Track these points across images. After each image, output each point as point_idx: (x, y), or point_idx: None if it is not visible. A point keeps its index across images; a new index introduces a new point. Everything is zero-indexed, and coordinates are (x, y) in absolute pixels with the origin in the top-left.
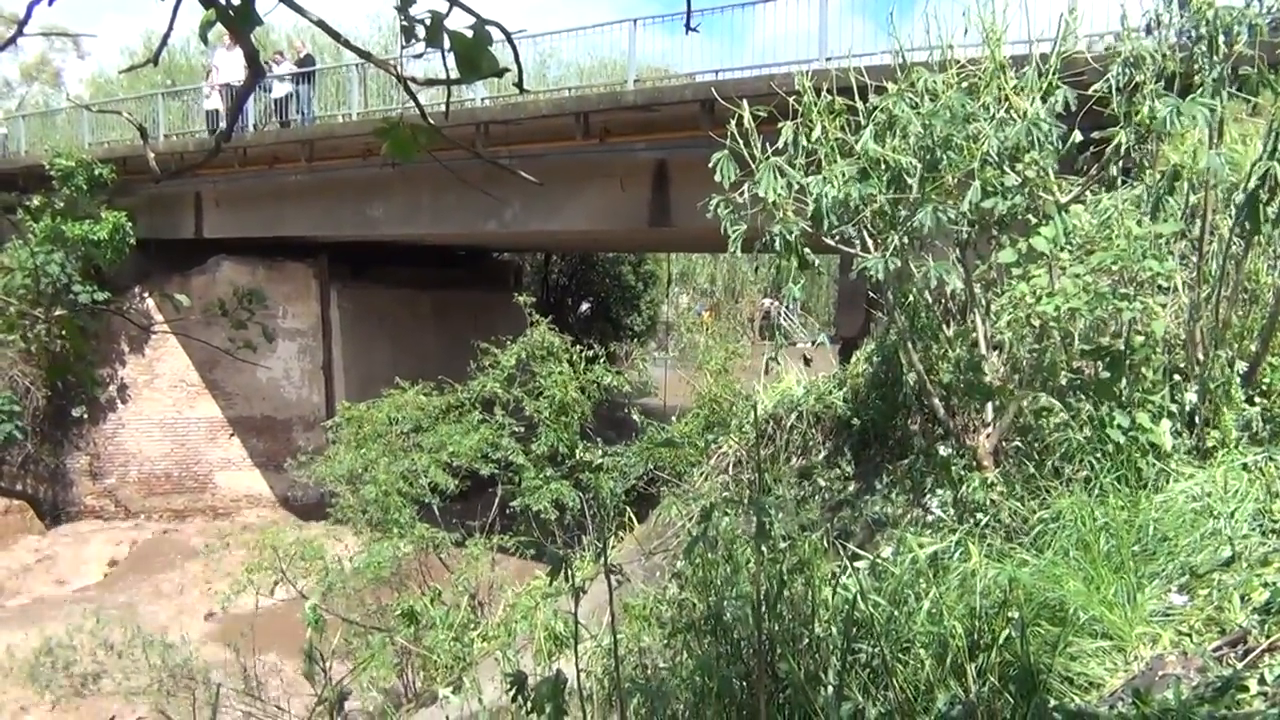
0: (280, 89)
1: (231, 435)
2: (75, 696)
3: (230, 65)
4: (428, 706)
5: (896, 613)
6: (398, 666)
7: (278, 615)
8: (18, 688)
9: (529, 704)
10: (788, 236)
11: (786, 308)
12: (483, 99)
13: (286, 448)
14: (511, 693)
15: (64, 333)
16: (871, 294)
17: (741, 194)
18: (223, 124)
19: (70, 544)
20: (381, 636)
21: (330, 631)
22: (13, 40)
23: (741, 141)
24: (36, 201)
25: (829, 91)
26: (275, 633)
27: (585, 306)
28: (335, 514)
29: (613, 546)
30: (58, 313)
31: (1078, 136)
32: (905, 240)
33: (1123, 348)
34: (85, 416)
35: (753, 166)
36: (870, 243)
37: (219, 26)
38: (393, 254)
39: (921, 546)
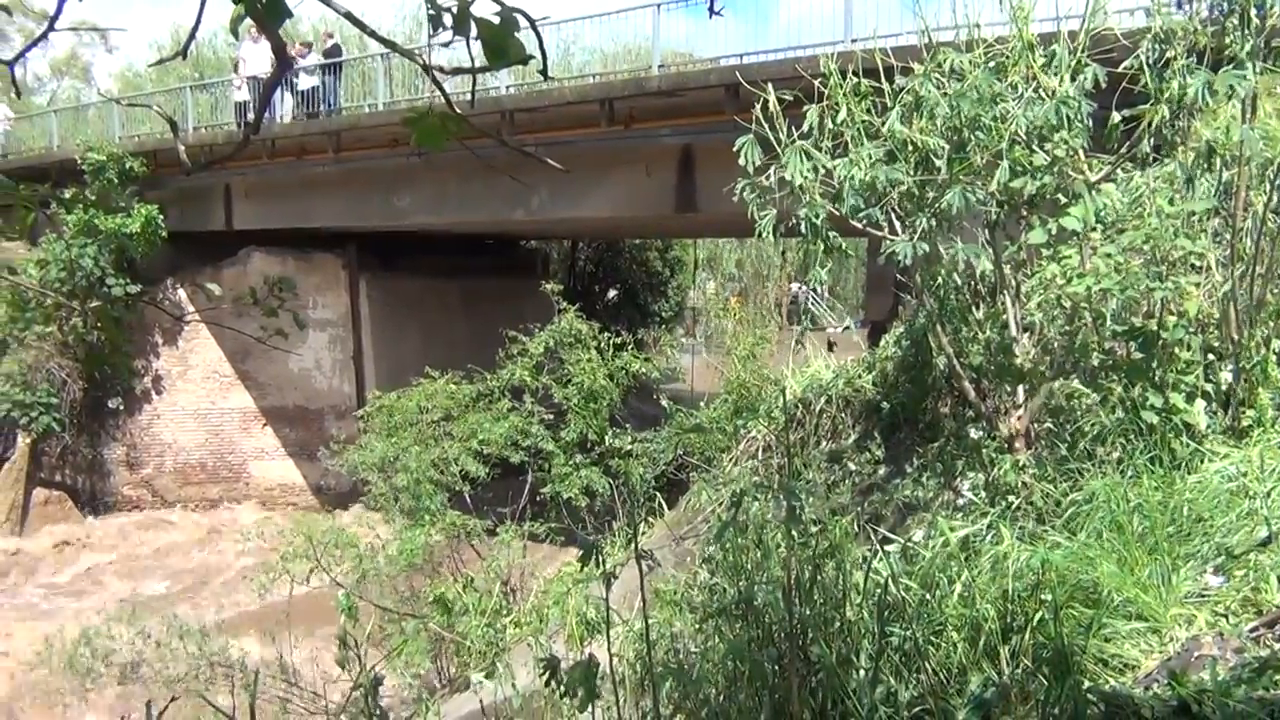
0: (307, 81)
1: (264, 425)
2: (117, 685)
3: (257, 57)
4: (461, 692)
5: (928, 596)
6: (431, 652)
7: (314, 602)
8: (58, 677)
9: (562, 688)
10: (814, 220)
11: (814, 292)
12: (507, 87)
13: (319, 437)
14: (545, 677)
15: (100, 324)
16: (900, 277)
17: (768, 178)
18: (251, 116)
19: (108, 533)
20: (415, 623)
21: (365, 618)
22: (44, 36)
23: (767, 125)
24: (69, 194)
25: (855, 73)
26: (312, 620)
27: (612, 293)
28: (368, 502)
29: (643, 532)
30: (93, 304)
31: (1116, 117)
32: (933, 222)
33: (1155, 328)
34: (121, 408)
35: (778, 150)
36: (898, 225)
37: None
38: (421, 244)
39: (953, 530)
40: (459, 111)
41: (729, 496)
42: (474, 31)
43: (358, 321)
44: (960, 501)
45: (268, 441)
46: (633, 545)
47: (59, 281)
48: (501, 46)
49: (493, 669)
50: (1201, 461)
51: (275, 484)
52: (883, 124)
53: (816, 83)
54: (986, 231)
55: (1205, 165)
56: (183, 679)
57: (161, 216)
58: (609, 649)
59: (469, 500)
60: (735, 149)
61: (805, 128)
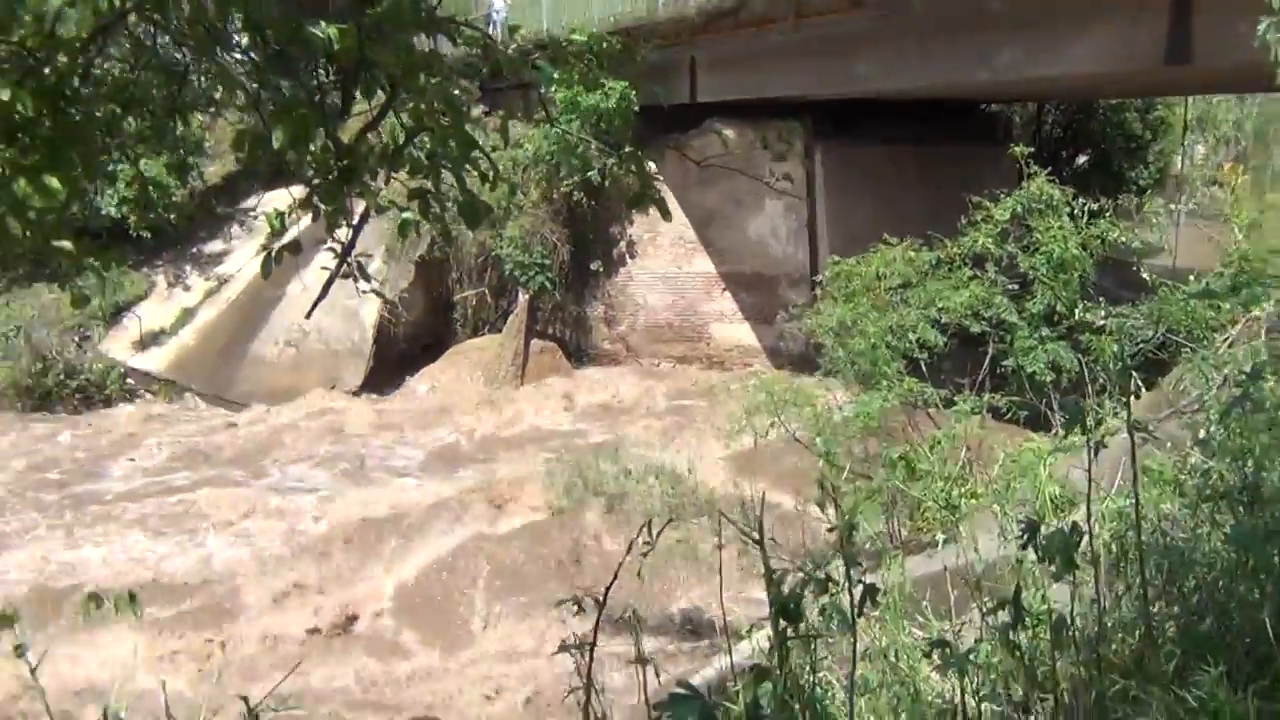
0: None
1: (724, 290)
2: (608, 513)
3: None
4: (914, 554)
5: None
6: (885, 514)
7: (773, 456)
8: (553, 497)
9: (1040, 553)
10: None
11: None
12: None
13: (773, 302)
14: (1023, 540)
15: (635, 169)
16: None
17: None
18: None
19: (592, 383)
20: (878, 480)
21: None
22: None
23: None
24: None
25: None
26: (771, 471)
27: (1082, 159)
28: (825, 365)
29: (1116, 414)
30: (627, 149)
31: None
32: None
33: None
34: (601, 270)
35: None
36: None
37: None
38: (875, 111)
39: None
40: None
41: (1229, 376)
42: None
43: (813, 189)
44: None
45: (726, 305)
46: (1120, 417)
47: (550, 155)
48: None
49: (953, 534)
50: None
51: (733, 345)
52: None
53: None
54: None
55: None
56: (659, 513)
57: (634, 92)
58: (1090, 520)
59: (924, 369)
60: None
61: None
